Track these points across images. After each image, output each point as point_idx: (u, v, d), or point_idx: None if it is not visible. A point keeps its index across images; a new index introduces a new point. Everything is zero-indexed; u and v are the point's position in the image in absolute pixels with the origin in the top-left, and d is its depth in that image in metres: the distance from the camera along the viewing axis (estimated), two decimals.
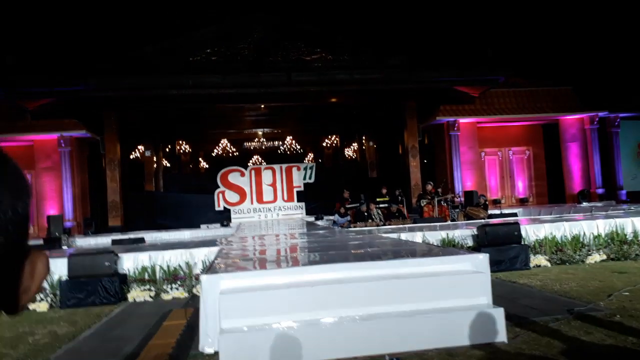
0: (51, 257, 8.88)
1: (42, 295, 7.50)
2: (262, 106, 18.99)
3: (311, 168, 17.65)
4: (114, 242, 11.33)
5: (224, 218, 17.09)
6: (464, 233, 7.98)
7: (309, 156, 24.35)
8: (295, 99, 17.40)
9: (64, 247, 12.34)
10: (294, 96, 16.82)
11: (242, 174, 17.93)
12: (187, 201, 17.73)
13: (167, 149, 22.39)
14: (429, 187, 12.80)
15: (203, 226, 16.23)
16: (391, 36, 16.48)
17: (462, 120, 16.72)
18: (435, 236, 7.88)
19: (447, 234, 7.92)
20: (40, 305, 7.37)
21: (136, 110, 16.62)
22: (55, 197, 15.39)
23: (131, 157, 19.15)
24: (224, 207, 17.76)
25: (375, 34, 16.32)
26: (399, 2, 16.20)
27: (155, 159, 19.69)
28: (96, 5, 20.94)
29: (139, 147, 19.53)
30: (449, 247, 7.02)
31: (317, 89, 16.15)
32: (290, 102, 18.06)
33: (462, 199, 14.09)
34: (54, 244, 12.38)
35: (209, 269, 5.66)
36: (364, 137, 22.00)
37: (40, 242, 12.78)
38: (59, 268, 7.78)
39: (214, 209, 17.76)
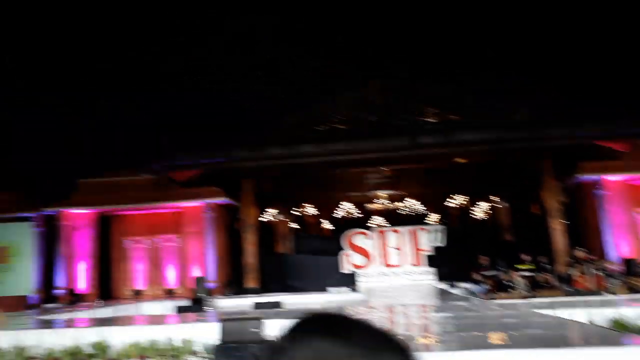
0: (205, 321, 9.48)
1: (199, 359, 7.98)
2: (385, 169, 19.18)
3: (441, 231, 17.12)
4: (257, 305, 11.79)
5: (349, 281, 17.09)
6: (637, 312, 7.02)
7: (432, 217, 23.78)
8: (418, 161, 17.33)
9: (207, 308, 13.14)
10: (418, 158, 16.77)
11: (367, 236, 17.98)
12: (314, 263, 18.11)
13: (295, 212, 23.37)
14: (580, 254, 11.65)
15: (332, 289, 16.33)
16: (520, 92, 15.95)
17: (609, 178, 15.24)
18: (600, 314, 7.03)
19: (616, 311, 7.03)
20: None
21: (268, 177, 17.77)
22: (200, 259, 16.67)
23: (264, 220, 20.28)
24: (350, 270, 17.81)
25: (504, 91, 15.93)
26: (526, 58, 15.72)
27: (285, 221, 20.63)
28: (230, 86, 23.35)
29: (271, 210, 20.66)
30: (633, 334, 6.16)
31: (442, 151, 15.96)
32: (413, 164, 18.01)
33: (620, 267, 12.56)
34: (200, 305, 13.24)
35: None
36: (493, 197, 21.01)
37: (189, 303, 13.79)
38: (212, 331, 8.26)
39: (340, 271, 17.87)
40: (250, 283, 16.07)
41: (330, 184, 20.53)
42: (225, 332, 8.04)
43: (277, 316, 9.14)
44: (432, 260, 16.57)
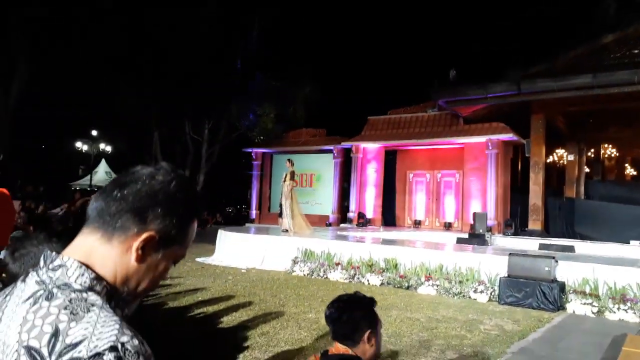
0: (485, 253, 9.42)
1: (482, 288, 8.04)
2: None
3: None
4: (541, 246, 11.11)
5: None
6: None
7: None
8: None
9: (488, 245, 13.02)
10: None
11: None
12: (612, 212, 15.76)
13: (590, 154, 20.56)
14: None
15: (634, 242, 14.07)
16: None
17: None
18: None
19: None
20: (481, 297, 7.92)
21: (563, 113, 15.89)
22: (480, 196, 16.51)
23: (552, 160, 18.55)
24: None
25: None
26: None
27: (576, 163, 18.41)
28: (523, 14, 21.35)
29: (560, 150, 18.70)
30: None
31: None
32: None
33: None
34: (479, 240, 13.21)
35: None
36: None
37: (466, 236, 13.96)
38: (497, 265, 8.18)
39: None
40: (534, 225, 15.09)
41: None
42: (512, 266, 7.85)
43: (577, 259, 8.40)
44: None
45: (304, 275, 9.70)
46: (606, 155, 20.88)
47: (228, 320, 5.93)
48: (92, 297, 0.81)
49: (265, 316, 6.15)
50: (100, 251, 0.86)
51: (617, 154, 20.96)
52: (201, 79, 19.95)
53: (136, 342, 0.77)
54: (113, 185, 0.89)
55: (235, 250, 11.49)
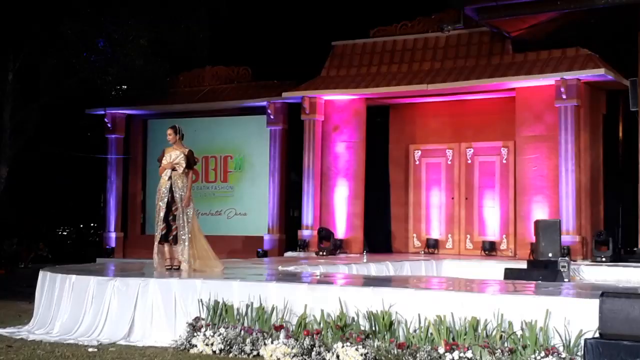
0: (558, 295, 9.67)
1: None
2: None
3: None
4: None
5: None
6: None
7: None
8: None
9: (564, 280, 13.34)
10: None
11: None
12: None
13: None
14: None
15: None
16: None
17: None
18: None
19: None
20: None
21: None
22: (548, 188, 16.83)
23: None
24: None
25: None
26: None
27: None
28: None
29: None
30: None
31: None
32: None
33: None
34: (546, 271, 13.52)
35: None
36: None
37: (523, 265, 14.23)
38: (581, 317, 8.35)
39: None
40: None
41: None
42: (608, 317, 8.04)
43: None
44: None
45: (214, 352, 9.69)
46: None
47: None
48: None
49: None
50: None
51: None
52: None
53: None
54: None
55: (75, 311, 11.34)
